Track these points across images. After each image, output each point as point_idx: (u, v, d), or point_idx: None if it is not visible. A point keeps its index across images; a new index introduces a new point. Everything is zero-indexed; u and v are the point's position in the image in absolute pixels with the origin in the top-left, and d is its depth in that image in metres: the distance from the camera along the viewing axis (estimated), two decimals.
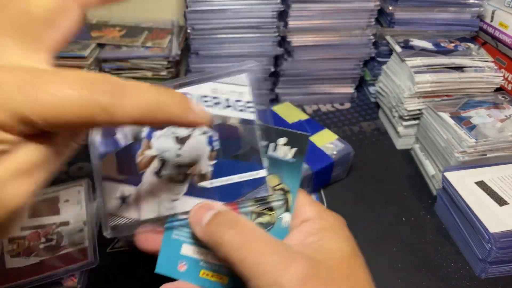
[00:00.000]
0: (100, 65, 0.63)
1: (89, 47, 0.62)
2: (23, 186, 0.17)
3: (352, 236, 0.25)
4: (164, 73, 0.63)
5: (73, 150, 0.20)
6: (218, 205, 0.24)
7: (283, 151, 0.25)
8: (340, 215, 0.26)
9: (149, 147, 0.27)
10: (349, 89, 0.72)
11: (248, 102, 0.26)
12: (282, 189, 0.26)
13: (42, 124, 0.16)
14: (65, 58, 0.60)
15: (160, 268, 0.25)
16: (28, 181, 0.17)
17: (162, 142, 0.27)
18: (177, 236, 0.26)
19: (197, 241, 0.25)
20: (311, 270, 0.21)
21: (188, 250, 0.25)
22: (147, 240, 0.26)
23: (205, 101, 0.26)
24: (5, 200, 0.16)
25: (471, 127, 0.51)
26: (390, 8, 0.64)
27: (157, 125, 0.22)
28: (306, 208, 0.25)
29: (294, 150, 0.25)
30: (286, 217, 0.25)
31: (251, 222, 0.25)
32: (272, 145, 0.26)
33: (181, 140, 0.27)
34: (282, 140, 0.26)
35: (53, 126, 0.16)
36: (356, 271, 0.23)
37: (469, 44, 0.64)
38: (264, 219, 0.26)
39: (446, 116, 0.53)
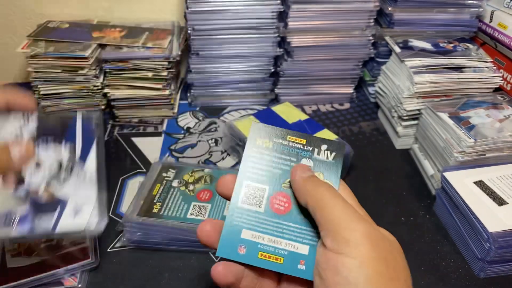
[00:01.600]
0: (101, 65, 0.64)
1: (90, 47, 0.62)
2: None
3: None
4: (164, 73, 0.63)
5: None
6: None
7: (325, 154, 0.32)
8: None
9: None
10: (349, 89, 0.73)
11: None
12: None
13: None
14: (66, 58, 0.61)
15: (221, 251, 0.28)
16: None
17: None
18: (237, 222, 0.28)
19: (257, 226, 0.29)
20: (368, 230, 0.24)
21: (248, 234, 0.28)
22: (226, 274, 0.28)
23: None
24: None
25: (470, 127, 0.51)
26: (390, 8, 0.65)
27: None
28: (349, 200, 0.28)
29: (333, 154, 0.31)
30: None
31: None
32: (316, 150, 0.32)
33: None
34: (324, 146, 0.32)
35: None
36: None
37: (468, 44, 0.64)
38: None
39: (445, 116, 0.54)
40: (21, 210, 0.35)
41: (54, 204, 0.35)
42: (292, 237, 0.28)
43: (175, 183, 0.50)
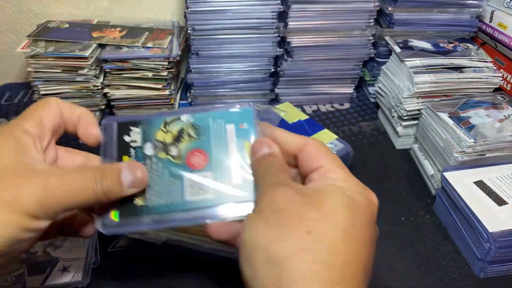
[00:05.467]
0: (100, 65, 0.64)
1: (90, 47, 0.62)
2: None
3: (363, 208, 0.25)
4: (164, 73, 0.63)
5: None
6: (275, 147, 0.30)
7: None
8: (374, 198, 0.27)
9: None
10: (349, 89, 0.73)
11: None
12: None
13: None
14: (66, 58, 0.61)
15: None
16: None
17: None
18: None
19: None
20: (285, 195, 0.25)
21: None
22: (218, 231, 0.29)
23: None
24: None
25: (470, 127, 0.51)
26: (390, 8, 0.65)
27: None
28: (332, 172, 0.27)
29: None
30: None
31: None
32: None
33: None
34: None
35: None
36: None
37: (468, 44, 0.64)
38: None
39: (445, 116, 0.54)
40: (19, 270, 0.40)
41: (47, 263, 0.41)
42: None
43: (148, 149, 0.33)
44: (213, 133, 0.33)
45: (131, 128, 0.33)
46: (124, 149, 0.32)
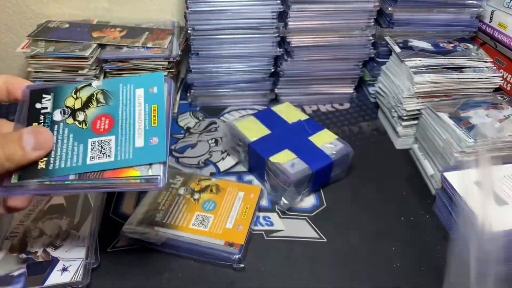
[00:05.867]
0: (100, 65, 0.64)
1: (90, 47, 0.62)
2: None
3: None
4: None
5: None
6: None
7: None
8: None
9: None
10: (349, 89, 0.73)
11: None
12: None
13: None
14: (66, 58, 0.61)
15: None
16: None
17: None
18: None
19: None
20: None
21: None
22: None
23: None
24: None
25: (470, 127, 0.51)
26: (390, 8, 0.65)
27: None
28: None
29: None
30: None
31: None
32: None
33: None
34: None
35: None
36: None
37: (468, 44, 0.64)
38: None
39: (445, 116, 0.54)
40: (19, 270, 0.40)
41: (48, 263, 0.41)
42: None
43: (57, 116, 0.34)
44: (121, 98, 0.35)
45: (44, 95, 0.35)
46: (35, 116, 0.34)
